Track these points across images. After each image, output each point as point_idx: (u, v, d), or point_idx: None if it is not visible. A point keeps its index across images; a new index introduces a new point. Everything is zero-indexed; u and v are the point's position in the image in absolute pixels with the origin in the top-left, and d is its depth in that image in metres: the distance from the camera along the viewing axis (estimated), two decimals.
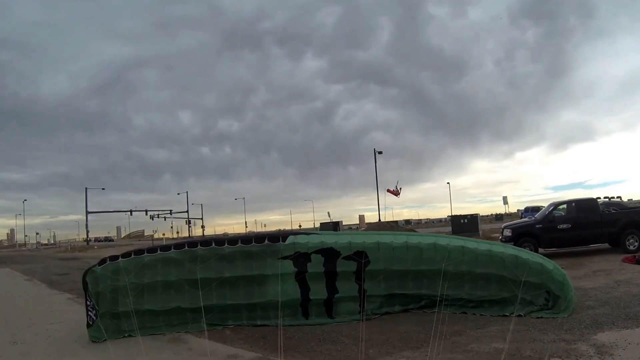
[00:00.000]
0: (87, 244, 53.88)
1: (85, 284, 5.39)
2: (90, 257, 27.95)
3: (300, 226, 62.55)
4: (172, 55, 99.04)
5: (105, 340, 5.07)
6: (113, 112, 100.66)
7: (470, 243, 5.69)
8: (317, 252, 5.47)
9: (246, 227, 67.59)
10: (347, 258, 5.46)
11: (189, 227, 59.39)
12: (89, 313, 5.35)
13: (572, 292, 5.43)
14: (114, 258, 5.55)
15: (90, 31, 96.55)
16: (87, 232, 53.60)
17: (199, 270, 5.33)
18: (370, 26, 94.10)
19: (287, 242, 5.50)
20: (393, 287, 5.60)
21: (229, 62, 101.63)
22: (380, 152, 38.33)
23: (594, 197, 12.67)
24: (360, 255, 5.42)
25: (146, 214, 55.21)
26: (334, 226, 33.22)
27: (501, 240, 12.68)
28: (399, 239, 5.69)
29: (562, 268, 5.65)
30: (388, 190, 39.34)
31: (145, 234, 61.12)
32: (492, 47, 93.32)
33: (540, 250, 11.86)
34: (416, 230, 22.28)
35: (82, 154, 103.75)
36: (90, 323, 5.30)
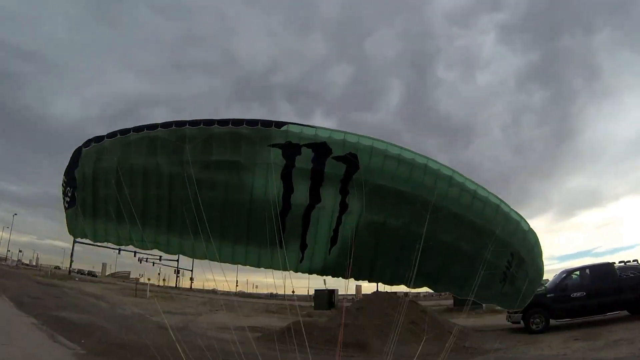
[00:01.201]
0: (69, 273, 51.55)
1: (75, 162, 5.14)
2: (69, 287, 26.64)
3: (293, 292, 59.08)
4: (183, 98, 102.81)
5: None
6: None
7: (458, 176, 5.14)
8: (308, 145, 4.93)
9: (237, 285, 65.32)
10: (337, 158, 4.92)
11: (177, 276, 56.89)
12: (66, 197, 5.20)
13: (541, 260, 5.12)
14: (99, 139, 5.15)
15: (110, 60, 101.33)
16: (71, 261, 51.50)
17: (186, 150, 4.84)
18: (380, 88, 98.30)
19: (281, 128, 4.97)
20: (373, 208, 4.98)
21: (238, 112, 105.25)
22: None
23: (610, 261, 12.09)
24: (350, 159, 4.90)
25: (134, 256, 53.00)
26: (329, 294, 31.66)
27: (508, 312, 12.16)
28: (393, 149, 5.10)
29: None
30: None
31: (131, 276, 59.27)
32: (500, 111, 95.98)
33: (552, 322, 11.35)
34: (418, 302, 21.28)
35: None
36: (66, 206, 5.18)
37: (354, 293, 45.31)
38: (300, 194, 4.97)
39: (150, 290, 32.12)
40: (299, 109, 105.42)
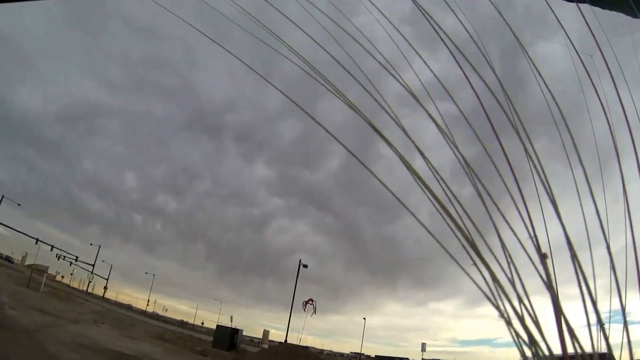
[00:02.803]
0: None
1: None
2: None
3: (202, 323, 57.22)
4: (137, 116, 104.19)
5: None
6: (69, 147, 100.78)
7: None
8: None
9: (147, 304, 62.31)
10: None
11: (89, 281, 55.52)
12: None
13: None
14: None
15: (78, 63, 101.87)
16: None
17: None
18: (324, 150, 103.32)
19: None
20: None
21: (186, 142, 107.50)
22: (305, 266, 38.31)
23: None
24: None
25: (51, 250, 52.98)
26: (232, 333, 29.33)
27: None
28: None
29: None
30: (304, 303, 38.39)
31: (49, 272, 56.71)
32: (430, 197, 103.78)
33: None
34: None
35: (27, 173, 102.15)
36: None
37: (261, 337, 43.57)
38: None
39: (47, 285, 29.97)
40: (244, 152, 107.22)
